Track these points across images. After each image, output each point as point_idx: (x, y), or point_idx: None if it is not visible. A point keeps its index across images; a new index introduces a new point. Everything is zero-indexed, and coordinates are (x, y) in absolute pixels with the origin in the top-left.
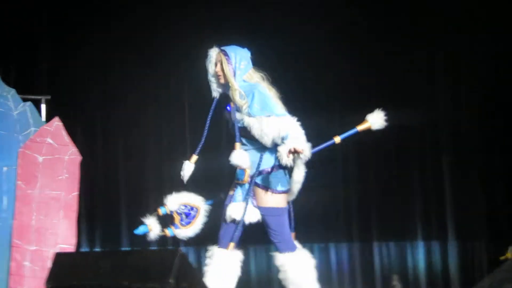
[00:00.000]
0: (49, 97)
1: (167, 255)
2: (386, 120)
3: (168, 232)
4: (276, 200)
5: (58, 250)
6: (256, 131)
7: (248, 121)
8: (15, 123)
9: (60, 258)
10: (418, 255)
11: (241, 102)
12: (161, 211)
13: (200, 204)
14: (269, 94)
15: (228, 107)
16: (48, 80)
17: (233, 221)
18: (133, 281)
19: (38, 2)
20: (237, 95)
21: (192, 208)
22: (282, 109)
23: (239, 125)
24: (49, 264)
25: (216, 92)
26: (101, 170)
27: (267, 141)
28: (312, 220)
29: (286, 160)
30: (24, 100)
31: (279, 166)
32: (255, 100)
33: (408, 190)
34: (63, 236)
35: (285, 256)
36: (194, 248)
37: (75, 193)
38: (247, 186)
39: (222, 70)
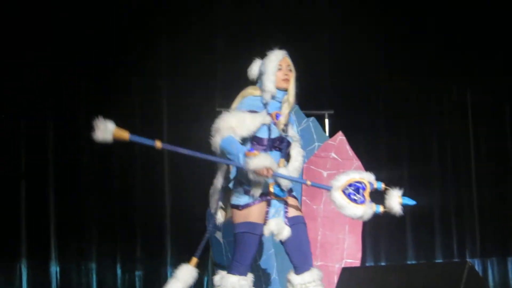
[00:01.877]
0: (332, 111)
1: (455, 267)
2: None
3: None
4: None
5: (344, 265)
6: (300, 151)
7: (296, 138)
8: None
9: (347, 273)
10: None
11: (287, 118)
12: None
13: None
14: None
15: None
16: (330, 95)
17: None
18: None
19: None
20: (291, 107)
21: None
22: None
23: (288, 139)
24: (335, 279)
25: (269, 94)
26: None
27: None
28: None
29: None
30: (308, 115)
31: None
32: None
33: None
34: (348, 250)
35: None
36: (480, 260)
37: None
38: (281, 202)
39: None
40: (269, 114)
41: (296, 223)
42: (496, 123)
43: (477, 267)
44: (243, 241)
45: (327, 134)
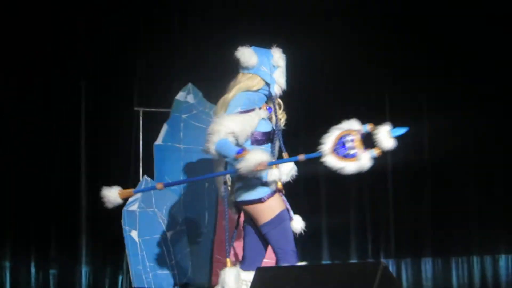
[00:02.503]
0: None
1: (369, 267)
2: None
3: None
4: None
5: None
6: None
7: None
8: None
9: (261, 273)
10: None
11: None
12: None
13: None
14: None
15: (269, 109)
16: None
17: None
18: None
19: None
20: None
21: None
22: None
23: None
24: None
25: (280, 89)
26: None
27: None
28: None
29: None
30: None
31: None
32: None
33: None
34: None
35: None
36: (395, 260)
37: None
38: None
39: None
40: (261, 108)
41: None
42: (414, 127)
43: (391, 267)
44: (282, 230)
45: None
